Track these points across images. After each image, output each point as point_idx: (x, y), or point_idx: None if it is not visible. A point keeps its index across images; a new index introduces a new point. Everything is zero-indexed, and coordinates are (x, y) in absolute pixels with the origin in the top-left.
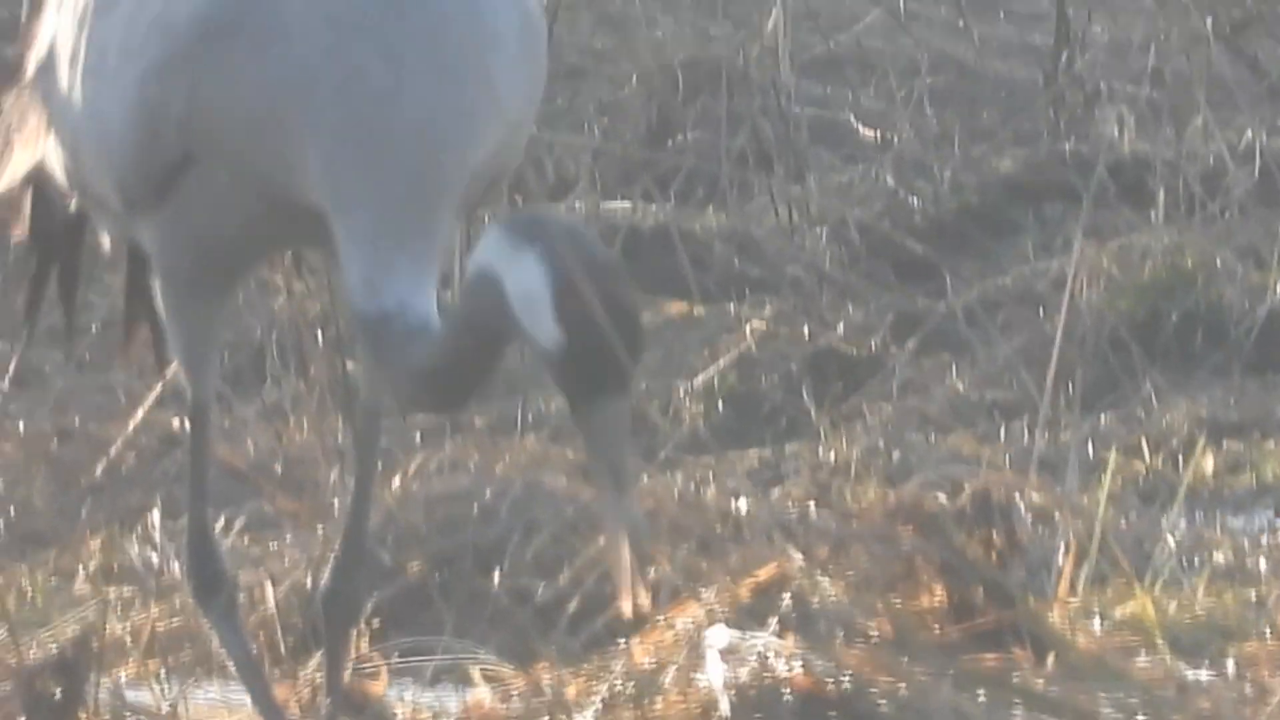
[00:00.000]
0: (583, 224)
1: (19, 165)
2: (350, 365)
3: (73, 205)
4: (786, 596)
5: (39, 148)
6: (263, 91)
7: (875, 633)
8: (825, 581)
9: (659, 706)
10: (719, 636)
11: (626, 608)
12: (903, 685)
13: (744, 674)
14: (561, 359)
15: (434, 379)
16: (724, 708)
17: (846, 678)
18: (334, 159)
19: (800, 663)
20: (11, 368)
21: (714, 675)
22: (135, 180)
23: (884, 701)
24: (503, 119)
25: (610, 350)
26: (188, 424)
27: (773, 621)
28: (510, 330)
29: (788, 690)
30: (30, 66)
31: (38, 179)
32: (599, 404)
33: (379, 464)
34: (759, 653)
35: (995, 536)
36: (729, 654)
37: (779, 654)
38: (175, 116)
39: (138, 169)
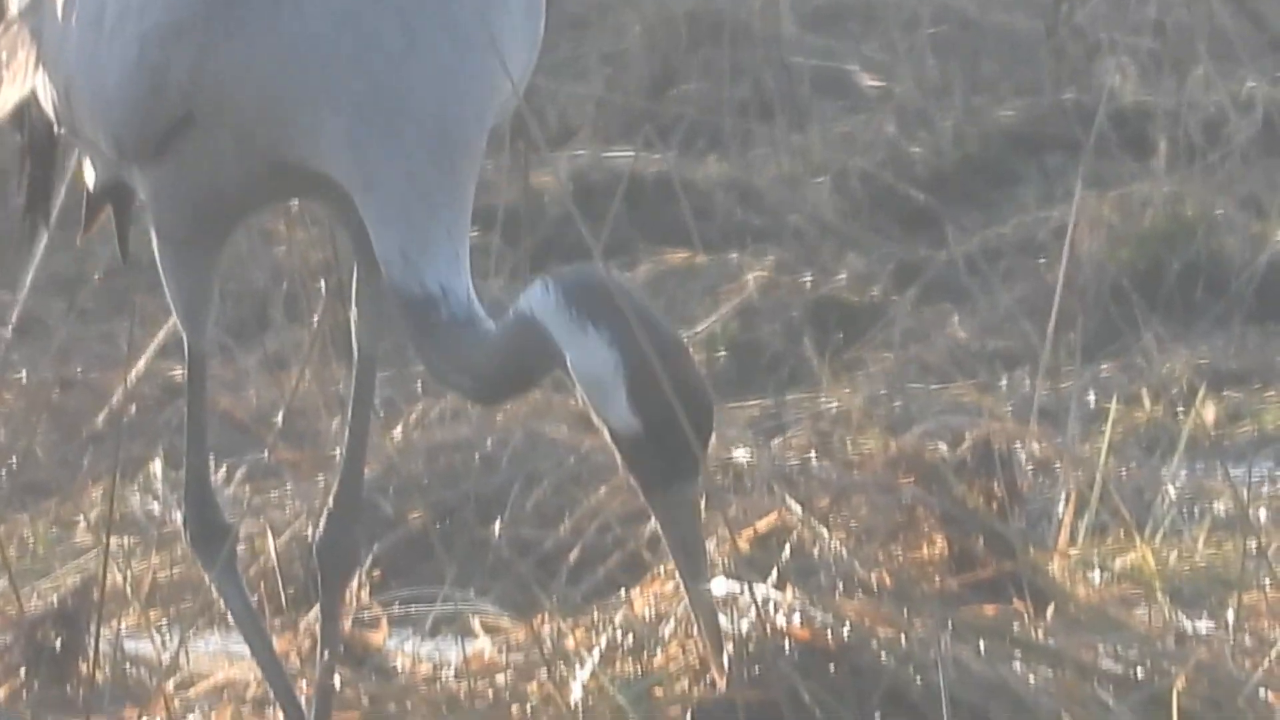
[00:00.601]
0: (641, 294)
1: (7, 99)
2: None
3: (59, 131)
4: (787, 547)
5: (28, 82)
6: (275, 62)
7: (875, 583)
8: (825, 532)
9: (659, 658)
10: (718, 587)
11: (719, 682)
12: (903, 636)
13: (744, 625)
14: (636, 444)
15: (483, 382)
16: (723, 659)
17: (846, 629)
18: (356, 132)
19: (800, 614)
20: (14, 317)
21: None
22: (131, 135)
23: (884, 653)
24: (507, 78)
25: (686, 437)
26: (186, 373)
27: (773, 572)
28: (559, 366)
29: (787, 642)
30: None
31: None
32: (673, 488)
33: (375, 414)
34: (759, 604)
35: (996, 487)
36: (728, 605)
37: (779, 605)
38: (177, 80)
39: (135, 125)
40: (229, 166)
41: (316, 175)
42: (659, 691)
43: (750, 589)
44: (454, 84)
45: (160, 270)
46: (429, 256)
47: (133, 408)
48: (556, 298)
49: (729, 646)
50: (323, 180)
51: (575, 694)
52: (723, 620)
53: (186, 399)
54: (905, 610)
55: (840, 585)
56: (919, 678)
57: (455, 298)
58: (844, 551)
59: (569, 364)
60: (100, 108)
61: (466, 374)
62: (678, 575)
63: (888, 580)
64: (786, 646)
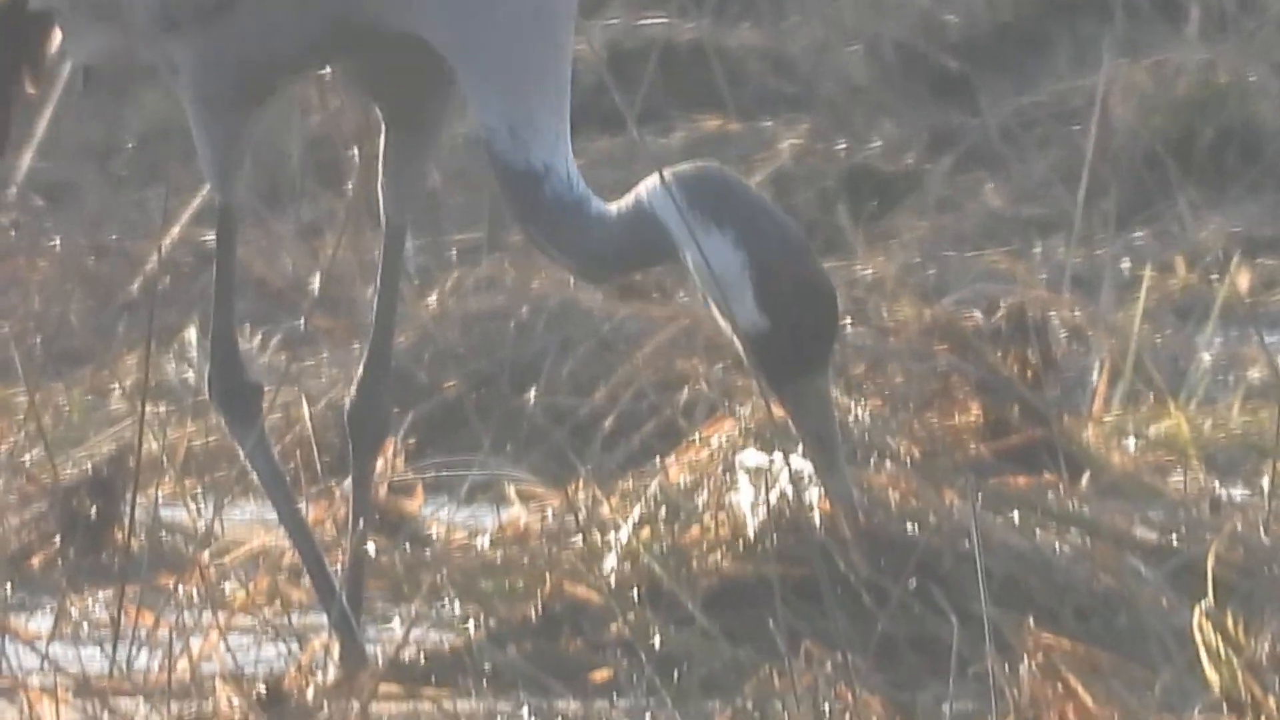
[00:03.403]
0: (763, 195)
1: None
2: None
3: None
4: None
5: None
6: None
7: (907, 453)
8: (859, 402)
9: (693, 527)
10: (751, 459)
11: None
12: (934, 508)
13: (774, 497)
14: (764, 341)
15: (591, 263)
16: (750, 530)
17: (877, 501)
18: (455, 5)
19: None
20: (19, 178)
21: (744, 498)
22: (189, 1)
23: (914, 523)
24: None
25: (814, 331)
26: (215, 233)
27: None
28: (674, 260)
29: (817, 512)
30: None
31: None
32: (802, 382)
33: (409, 282)
34: (790, 475)
35: (1030, 354)
36: (759, 476)
37: (810, 477)
38: None
39: None
40: (288, 27)
41: (376, 31)
42: (693, 560)
43: (786, 459)
44: None
45: (193, 130)
46: (534, 131)
47: (167, 275)
48: (679, 197)
49: (760, 516)
50: (382, 38)
51: (610, 562)
52: (753, 492)
53: (215, 258)
54: (937, 480)
55: (873, 455)
56: (951, 548)
57: (556, 175)
58: (878, 420)
59: (689, 262)
60: None
61: (573, 254)
62: (812, 468)
63: (921, 450)
64: (818, 519)
